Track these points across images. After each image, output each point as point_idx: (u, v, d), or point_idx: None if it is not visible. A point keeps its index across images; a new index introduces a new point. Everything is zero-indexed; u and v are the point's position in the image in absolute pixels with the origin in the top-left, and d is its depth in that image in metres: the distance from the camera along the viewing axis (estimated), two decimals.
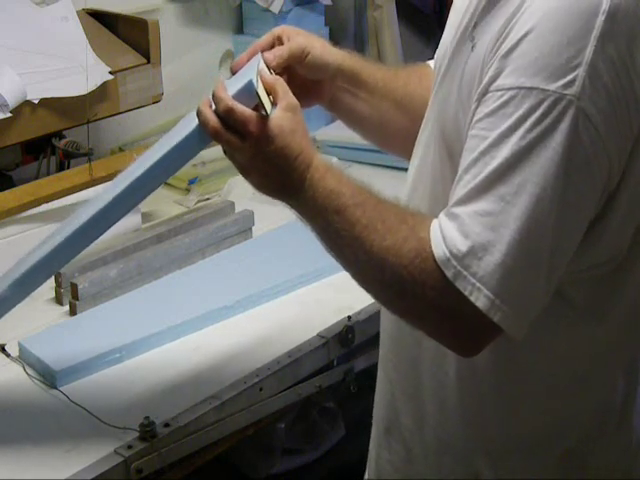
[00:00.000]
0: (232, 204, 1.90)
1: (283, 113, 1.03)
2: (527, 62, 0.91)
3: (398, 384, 1.19)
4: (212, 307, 1.58)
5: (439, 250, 0.95)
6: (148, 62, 1.96)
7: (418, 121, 1.17)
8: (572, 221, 0.95)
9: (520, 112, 0.91)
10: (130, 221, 1.84)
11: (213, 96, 1.05)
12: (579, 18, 0.90)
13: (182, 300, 1.61)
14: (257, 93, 1.04)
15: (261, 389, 1.41)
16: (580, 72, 0.90)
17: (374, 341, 1.54)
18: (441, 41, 1.19)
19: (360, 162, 2.20)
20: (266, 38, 1.20)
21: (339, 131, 2.26)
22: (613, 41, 0.91)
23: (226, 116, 1.03)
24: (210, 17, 2.40)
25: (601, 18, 0.90)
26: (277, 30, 1.20)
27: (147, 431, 1.27)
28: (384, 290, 1.02)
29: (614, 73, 0.91)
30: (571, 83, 0.90)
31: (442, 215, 0.98)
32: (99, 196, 1.23)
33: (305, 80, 1.21)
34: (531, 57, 0.91)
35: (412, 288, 0.97)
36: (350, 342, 1.55)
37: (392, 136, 1.29)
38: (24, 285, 1.26)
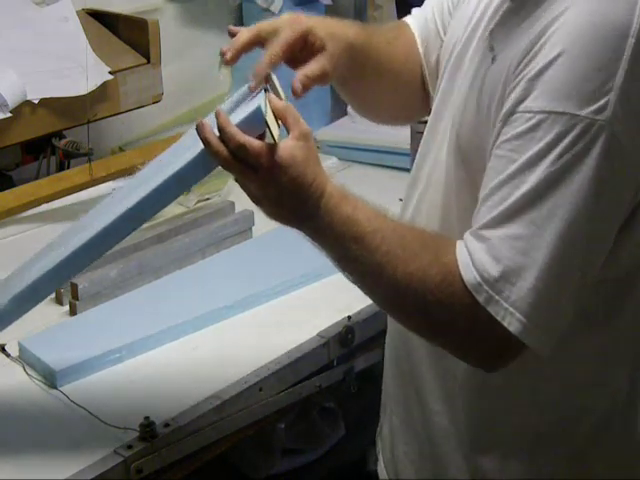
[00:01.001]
0: (232, 204, 1.90)
1: (295, 142, 1.01)
2: (557, 86, 0.91)
3: (410, 381, 1.20)
4: (212, 307, 1.58)
5: (468, 274, 0.95)
6: (148, 62, 1.96)
7: (399, 82, 1.17)
8: (600, 241, 0.96)
9: (550, 137, 0.91)
10: None
11: (220, 131, 1.01)
12: (610, 42, 0.90)
13: (182, 300, 1.61)
14: (266, 121, 1.01)
15: (261, 389, 1.41)
16: (611, 97, 0.90)
17: (374, 341, 1.54)
18: (450, 31, 1.17)
19: (360, 162, 2.20)
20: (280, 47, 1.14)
21: (339, 131, 2.27)
22: None
23: (236, 151, 1.00)
24: (210, 17, 2.40)
25: (631, 41, 0.90)
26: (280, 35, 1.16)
27: (147, 431, 1.26)
28: (409, 315, 1.03)
29: None
30: (603, 108, 0.90)
31: (470, 236, 0.98)
32: (102, 209, 1.21)
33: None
34: (562, 81, 0.91)
35: (438, 312, 0.98)
36: (350, 342, 1.55)
37: (378, 103, 1.29)
38: (26, 299, 1.24)
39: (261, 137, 1.02)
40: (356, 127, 2.15)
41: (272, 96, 1.06)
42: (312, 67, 1.12)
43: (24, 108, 1.74)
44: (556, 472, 1.12)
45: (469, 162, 1.04)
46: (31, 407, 1.36)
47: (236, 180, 1.05)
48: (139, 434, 1.27)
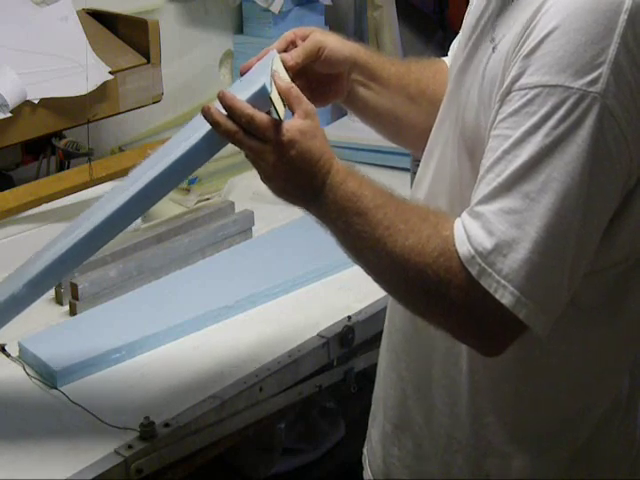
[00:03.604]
0: (232, 204, 1.90)
1: (302, 120, 1.05)
2: (551, 60, 0.92)
3: (410, 382, 1.19)
4: (212, 307, 1.58)
5: (463, 248, 0.96)
6: (148, 62, 1.96)
7: (431, 116, 1.17)
8: (595, 217, 0.95)
9: (544, 110, 0.92)
10: None
11: (229, 108, 1.05)
12: (602, 17, 0.91)
13: (182, 300, 1.61)
14: (270, 98, 1.04)
15: (261, 389, 1.41)
16: (604, 69, 0.90)
17: (374, 341, 1.54)
18: (456, 41, 1.18)
19: (360, 162, 2.19)
20: (279, 43, 1.19)
21: (339, 131, 2.27)
22: (636, 39, 0.91)
23: (247, 125, 1.04)
24: (210, 17, 2.40)
25: (624, 17, 0.91)
26: (289, 35, 1.20)
27: (147, 431, 1.26)
28: (407, 291, 1.03)
29: (637, 70, 0.92)
30: (595, 80, 0.91)
31: (465, 213, 0.98)
32: (113, 194, 1.22)
33: (322, 77, 1.21)
34: (555, 55, 0.91)
35: (436, 287, 0.98)
36: (350, 342, 1.55)
37: (405, 130, 1.29)
38: (40, 284, 1.26)
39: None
40: (356, 127, 2.14)
41: (277, 75, 1.09)
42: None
43: (24, 108, 1.73)
44: (557, 472, 1.12)
45: (475, 156, 1.04)
46: (31, 407, 1.36)
47: (247, 156, 1.08)
48: (139, 434, 1.27)
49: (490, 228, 0.94)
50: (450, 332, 1.03)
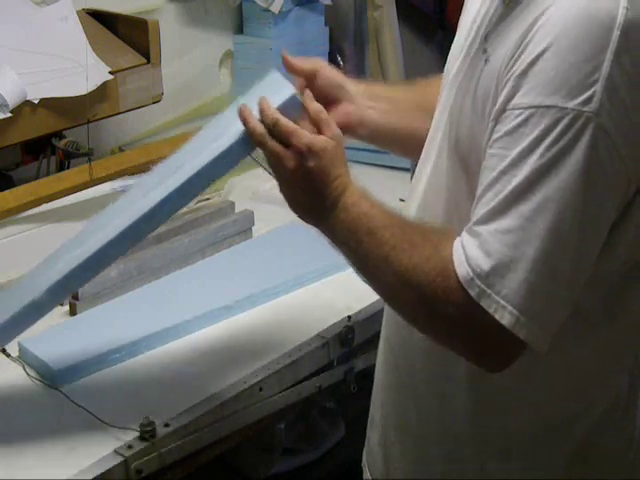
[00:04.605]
0: (232, 204, 1.90)
1: (328, 139, 1.08)
2: (544, 80, 0.92)
3: (407, 384, 1.20)
4: (212, 307, 1.58)
5: (462, 269, 0.96)
6: (148, 62, 1.96)
7: None
8: (593, 233, 0.96)
9: (538, 131, 0.92)
10: None
11: (261, 111, 1.10)
12: (595, 34, 0.90)
13: (182, 300, 1.61)
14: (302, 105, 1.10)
15: (261, 389, 1.41)
16: (598, 88, 0.90)
17: (374, 341, 1.54)
18: (453, 45, 1.19)
19: (360, 162, 2.19)
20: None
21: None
22: (629, 55, 0.91)
23: (272, 127, 1.08)
24: (210, 17, 2.40)
25: (616, 33, 0.90)
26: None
27: (147, 431, 1.26)
28: (412, 309, 1.04)
29: (630, 86, 0.92)
30: (589, 100, 0.90)
31: (465, 233, 0.98)
32: (143, 190, 1.21)
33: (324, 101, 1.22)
34: (548, 75, 0.91)
35: (436, 306, 0.99)
36: (350, 342, 1.55)
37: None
38: (61, 290, 1.25)
39: None
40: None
41: (308, 97, 1.13)
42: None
43: (24, 108, 1.73)
44: (556, 472, 1.12)
45: (468, 165, 1.04)
46: (31, 407, 1.36)
47: (268, 161, 1.10)
48: (139, 434, 1.27)
49: (487, 249, 0.95)
50: (454, 350, 1.04)
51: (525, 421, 1.11)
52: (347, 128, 1.22)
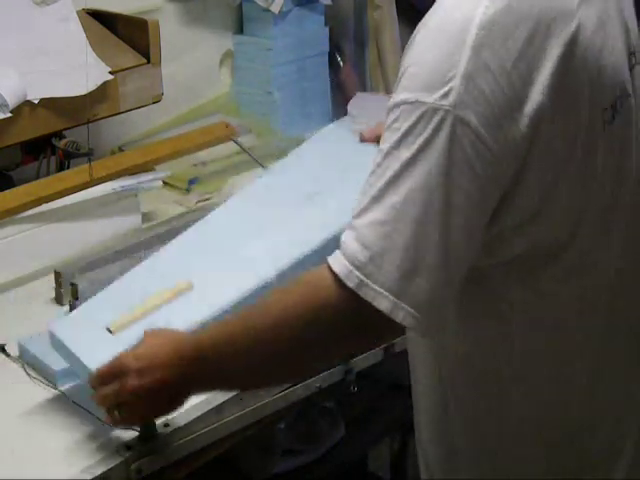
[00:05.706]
0: None
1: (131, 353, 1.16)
2: (412, 78, 0.98)
3: (414, 390, 1.25)
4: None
5: (339, 265, 1.00)
6: (148, 62, 1.96)
7: None
8: (462, 219, 0.98)
9: (406, 125, 0.97)
10: (130, 221, 1.84)
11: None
12: (453, 34, 0.96)
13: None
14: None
15: None
16: (455, 83, 0.95)
17: None
18: None
19: None
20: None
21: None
22: (489, 48, 0.95)
23: (98, 379, 1.17)
24: (210, 17, 2.40)
25: (474, 31, 0.95)
26: None
27: (147, 431, 1.27)
28: (307, 344, 1.05)
29: (491, 78, 0.95)
30: (447, 94, 0.95)
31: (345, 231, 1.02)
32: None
33: None
34: (415, 73, 0.98)
35: (320, 314, 1.01)
36: None
37: None
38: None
39: None
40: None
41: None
42: None
43: (24, 108, 1.74)
44: (544, 462, 1.14)
45: None
46: (31, 407, 1.36)
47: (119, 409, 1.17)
48: (139, 434, 1.27)
49: (364, 241, 0.98)
50: (353, 348, 1.13)
51: (498, 422, 1.13)
52: None
